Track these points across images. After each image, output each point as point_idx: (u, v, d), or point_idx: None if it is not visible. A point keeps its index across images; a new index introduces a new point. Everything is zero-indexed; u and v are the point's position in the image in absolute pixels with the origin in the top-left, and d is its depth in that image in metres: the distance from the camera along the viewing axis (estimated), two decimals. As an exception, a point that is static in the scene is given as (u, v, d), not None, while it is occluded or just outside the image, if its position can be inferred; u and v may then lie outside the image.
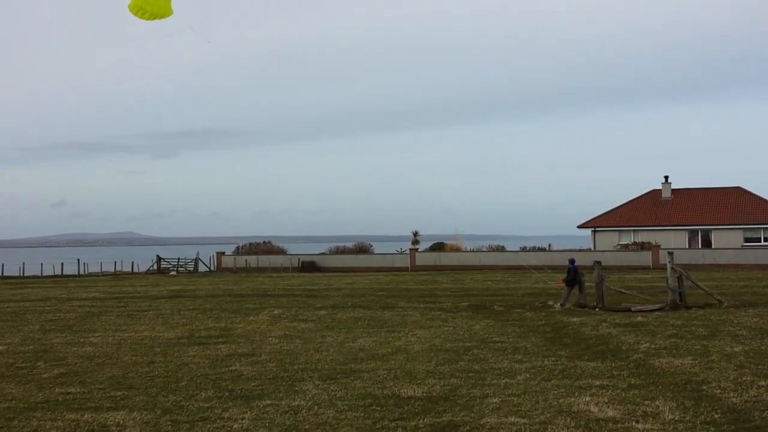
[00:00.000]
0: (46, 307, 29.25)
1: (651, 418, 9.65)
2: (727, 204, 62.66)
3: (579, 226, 64.93)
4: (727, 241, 59.16)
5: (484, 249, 66.91)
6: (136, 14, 13.92)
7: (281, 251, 69.77)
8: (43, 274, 64.38)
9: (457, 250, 65.88)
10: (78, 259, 67.95)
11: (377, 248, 74.58)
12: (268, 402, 11.15)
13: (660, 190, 65.83)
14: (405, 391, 11.73)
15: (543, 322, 21.12)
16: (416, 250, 64.93)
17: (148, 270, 67.17)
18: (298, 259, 64.09)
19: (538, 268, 42.53)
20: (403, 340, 17.68)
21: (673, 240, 60.09)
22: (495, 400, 10.89)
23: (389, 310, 25.42)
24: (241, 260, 65.31)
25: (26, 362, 15.55)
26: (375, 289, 36.53)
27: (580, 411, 10.14)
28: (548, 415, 9.98)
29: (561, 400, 10.81)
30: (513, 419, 9.77)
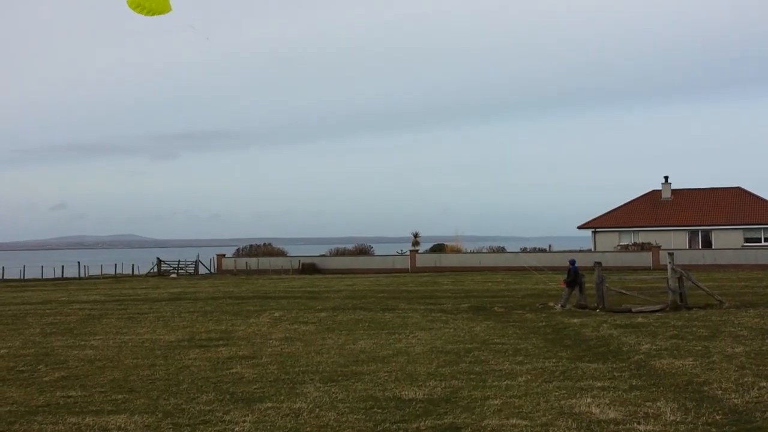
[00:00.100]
0: (47, 310, 29.24)
1: (652, 420, 9.64)
2: (727, 204, 62.65)
3: (579, 227, 64.94)
4: (728, 241, 59.16)
5: (485, 250, 66.95)
6: (134, 9, 13.96)
7: (281, 253, 69.79)
8: (44, 276, 64.40)
9: (458, 251, 65.87)
10: (78, 262, 67.93)
11: (377, 250, 74.60)
12: (269, 405, 11.15)
13: (660, 190, 65.83)
14: (406, 393, 11.73)
15: (544, 323, 21.12)
16: (416, 251, 64.94)
17: (148, 272, 67.17)
18: (299, 261, 64.09)
19: (539, 269, 42.54)
20: (404, 342, 17.68)
21: (673, 240, 60.09)
22: (496, 402, 10.88)
23: (390, 311, 25.42)
24: (242, 262, 65.31)
25: (27, 365, 15.54)
26: (375, 291, 36.53)
27: (581, 412, 10.13)
28: (550, 416, 9.97)
29: (562, 402, 10.80)
30: (514, 421, 9.76)
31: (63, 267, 67.13)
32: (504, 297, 31.05)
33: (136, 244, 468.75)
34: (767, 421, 9.50)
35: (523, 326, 20.52)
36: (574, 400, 10.86)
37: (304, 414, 10.49)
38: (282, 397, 11.65)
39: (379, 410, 10.60)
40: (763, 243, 58.92)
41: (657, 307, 23.90)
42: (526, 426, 9.49)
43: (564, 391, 11.54)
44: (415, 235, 70.79)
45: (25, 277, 63.13)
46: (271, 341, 18.40)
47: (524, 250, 67.63)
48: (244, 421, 10.14)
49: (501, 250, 66.97)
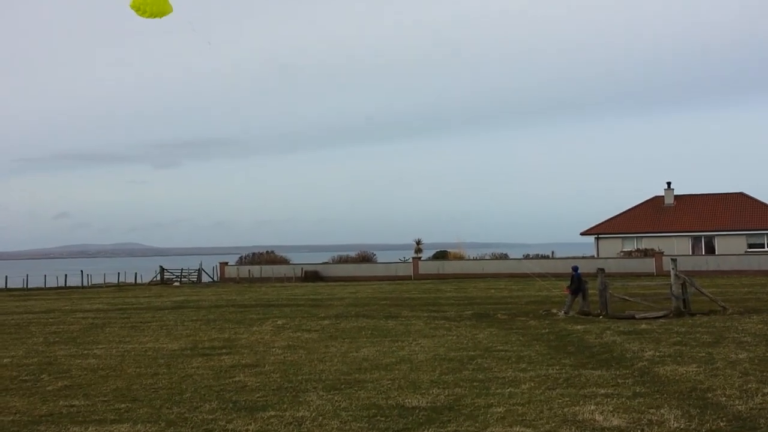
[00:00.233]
0: (50, 319, 29.27)
1: (656, 427, 9.62)
2: (730, 210, 62.57)
3: (582, 234, 64.85)
4: (731, 247, 59.04)
5: (487, 257, 66.85)
6: (137, 12, 14.05)
7: (284, 261, 69.77)
8: (47, 286, 64.42)
9: (460, 258, 65.79)
10: (81, 271, 67.96)
11: (380, 257, 74.55)
12: (273, 413, 11.14)
13: (662, 196, 65.76)
14: (409, 401, 11.71)
15: (547, 330, 21.09)
16: (419, 258, 64.88)
17: (151, 281, 67.18)
18: (301, 269, 64.08)
19: (542, 276, 42.49)
20: (407, 350, 17.66)
21: (676, 246, 59.99)
22: (499, 410, 10.86)
23: (393, 319, 25.39)
24: (245, 270, 65.31)
25: (30, 375, 15.55)
26: (378, 299, 36.50)
27: (585, 420, 10.11)
28: (553, 424, 9.95)
29: (566, 409, 10.78)
30: (518, 429, 9.75)
31: (66, 276, 67.15)
32: (507, 304, 31.01)
33: (139, 252, 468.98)
34: (771, 427, 9.47)
35: (527, 333, 20.49)
36: (577, 408, 10.84)
37: (307, 422, 10.48)
38: (285, 406, 11.64)
39: (382, 418, 10.59)
40: (766, 248, 58.77)
41: (660, 313, 23.85)
42: (529, 434, 9.47)
43: (567, 399, 11.52)
44: (418, 242, 70.75)
45: (28, 287, 63.15)
46: (274, 349, 18.40)
47: (527, 257, 67.48)
48: (247, 430, 10.14)
49: (504, 256, 66.88)
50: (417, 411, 10.97)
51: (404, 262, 65.38)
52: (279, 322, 25.11)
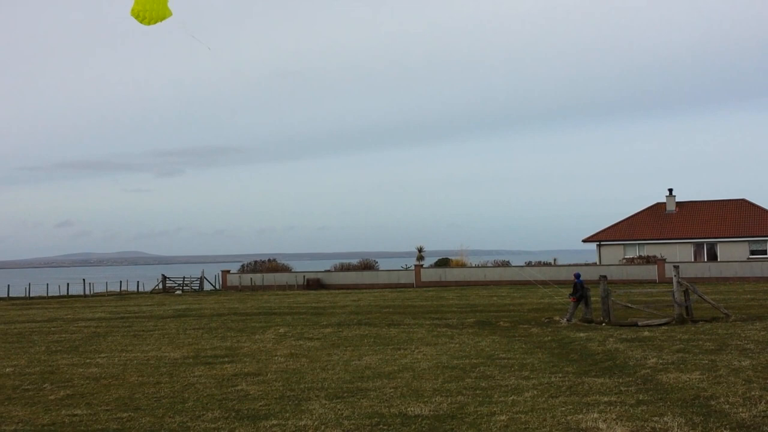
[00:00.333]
0: (52, 328, 29.26)
1: (660, 435, 9.59)
2: (732, 216, 62.53)
3: (584, 240, 64.84)
4: (733, 253, 58.98)
5: (490, 264, 66.78)
6: (137, 19, 14.13)
7: (286, 269, 69.78)
8: (49, 294, 64.43)
9: (462, 265, 65.76)
10: (83, 279, 67.97)
11: (382, 264, 74.51)
12: (275, 422, 11.13)
13: (664, 203, 65.75)
14: (412, 409, 11.69)
15: (549, 337, 21.06)
16: (421, 266, 64.86)
17: (153, 289, 67.19)
18: (303, 277, 64.07)
19: (544, 283, 42.45)
20: (410, 358, 17.64)
21: (678, 253, 59.94)
22: (502, 418, 10.84)
23: (395, 327, 25.37)
24: (246, 278, 65.31)
25: (32, 384, 15.54)
26: (380, 306, 36.47)
27: (588, 428, 10.09)
28: (556, 432, 9.93)
29: (569, 417, 10.76)
30: (521, 437, 9.72)
31: (68, 284, 67.20)
32: (509, 311, 30.97)
33: (141, 260, 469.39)
34: (775, 435, 9.45)
35: (529, 341, 20.46)
36: (580, 416, 10.82)
37: (310, 431, 10.47)
38: (287, 414, 11.63)
39: (385, 427, 10.58)
40: (768, 255, 58.72)
41: (663, 320, 23.83)
42: (532, 442, 9.45)
43: (570, 407, 11.50)
44: (420, 250, 70.69)
45: (30, 295, 63.19)
46: (276, 358, 18.38)
47: (529, 264, 67.39)
48: (249, 439, 10.11)
49: (506, 264, 66.79)
50: (420, 419, 10.95)
51: (406, 269, 65.35)
52: (281, 331, 25.09)
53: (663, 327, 22.71)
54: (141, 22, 14.08)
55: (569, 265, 62.00)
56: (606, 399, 11.99)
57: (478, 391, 13.04)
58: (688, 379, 13.48)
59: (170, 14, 14.17)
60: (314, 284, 62.60)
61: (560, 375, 14.56)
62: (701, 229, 61.74)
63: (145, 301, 49.65)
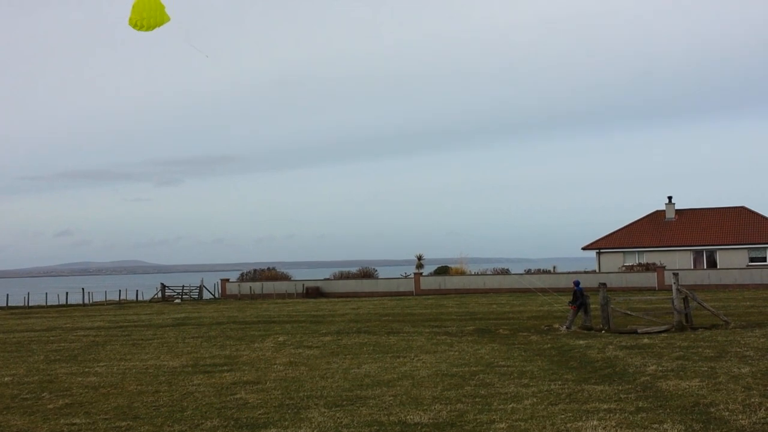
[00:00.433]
0: (51, 337, 29.22)
1: (659, 442, 9.57)
2: (732, 224, 62.58)
3: (583, 248, 64.83)
4: (732, 261, 58.99)
5: (489, 272, 66.82)
6: (134, 27, 14.21)
7: (285, 277, 69.75)
8: (48, 303, 64.34)
9: (462, 273, 65.75)
10: (82, 288, 67.90)
11: (382, 273, 74.50)
12: (274, 430, 11.11)
13: (664, 210, 65.80)
14: (411, 417, 11.67)
15: (549, 345, 21.04)
16: (421, 274, 64.84)
17: (152, 298, 67.13)
18: (303, 285, 64.04)
19: (543, 291, 42.44)
20: (409, 366, 17.62)
21: (678, 261, 59.94)
22: (502, 426, 10.82)
23: (394, 335, 25.34)
24: (246, 287, 65.28)
25: (31, 393, 15.51)
26: (380, 314, 36.44)
27: (587, 435, 10.06)
28: (556, 440, 9.90)
29: (568, 425, 10.74)
30: (520, 445, 9.70)
31: (67, 293, 67.12)
32: (509, 319, 30.95)
33: (140, 269, 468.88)
34: (775, 442, 9.43)
35: (529, 348, 20.44)
36: (580, 423, 10.80)
37: (309, 439, 10.44)
38: (286, 423, 11.60)
39: (384, 435, 10.54)
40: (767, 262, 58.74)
41: (662, 327, 23.81)
42: (532, 449, 9.43)
43: (570, 414, 11.48)
44: (419, 258, 70.69)
45: (29, 304, 63.06)
46: (275, 366, 18.35)
47: (528, 272, 67.45)
48: (248, 448, 10.09)
49: (505, 271, 66.83)
50: (419, 427, 10.94)
51: (406, 277, 65.33)
52: (280, 339, 25.06)
53: (662, 334, 22.69)
54: (140, 30, 14.15)
55: (569, 273, 62.02)
56: (606, 406, 11.98)
57: (477, 399, 13.02)
58: (687, 387, 13.46)
59: (168, 19, 14.24)
60: (313, 292, 62.56)
61: (560, 382, 14.54)
62: (701, 237, 61.78)
63: (144, 310, 49.60)
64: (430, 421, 11.36)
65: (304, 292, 62.84)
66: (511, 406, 12.32)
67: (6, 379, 17.79)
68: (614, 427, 10.49)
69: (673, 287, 24.93)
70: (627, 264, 61.18)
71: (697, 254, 60.85)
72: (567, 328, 25.21)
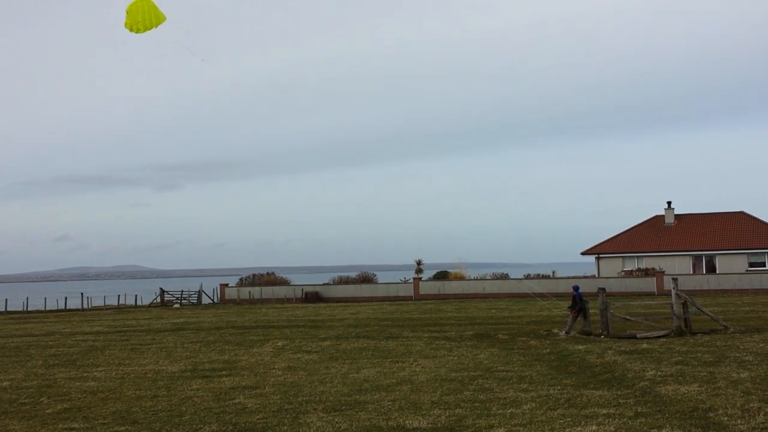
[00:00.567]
0: (50, 342, 29.19)
1: (658, 447, 9.56)
2: (731, 229, 62.62)
3: (583, 253, 64.84)
4: (732, 266, 59.01)
5: (488, 277, 66.78)
6: (131, 30, 14.26)
7: (284, 282, 69.71)
8: (47, 308, 64.28)
9: (461, 278, 65.71)
10: (81, 293, 67.86)
11: (381, 278, 74.44)
12: (273, 435, 11.08)
13: (663, 215, 65.85)
14: (410, 422, 11.66)
15: (548, 350, 21.03)
16: (420, 279, 64.82)
17: (151, 303, 67.09)
18: (302, 290, 64.01)
19: (542, 296, 42.43)
20: (408, 371, 17.61)
21: (677, 266, 59.97)
22: (501, 431, 10.82)
23: (393, 340, 25.33)
24: (245, 292, 65.24)
25: (29, 398, 15.50)
26: (379, 319, 36.42)
27: (586, 440, 10.05)
28: (554, 444, 9.89)
29: (567, 430, 10.73)
30: (519, 450, 9.69)
31: (66, 298, 67.07)
32: (508, 324, 30.94)
33: (139, 274, 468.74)
34: (774, 447, 9.42)
35: (528, 353, 20.43)
36: (579, 428, 10.80)
37: (308, 444, 10.42)
38: (285, 428, 11.59)
39: (383, 440, 10.53)
40: (767, 267, 58.75)
41: (662, 332, 23.80)
42: (530, 454, 9.42)
43: (569, 419, 11.47)
44: (418, 263, 70.67)
45: (28, 309, 63.02)
46: (274, 371, 18.34)
47: (528, 277, 67.41)
48: (247, 452, 10.08)
49: (504, 276, 66.79)
50: (418, 432, 10.91)
51: (405, 282, 65.30)
52: (279, 344, 25.05)
53: (661, 339, 22.68)
54: (137, 33, 14.20)
55: (568, 278, 62.00)
56: (604, 411, 11.97)
57: (476, 404, 13.01)
58: (686, 392, 13.45)
59: (164, 18, 14.29)
60: (312, 297, 62.53)
61: (559, 387, 14.54)
62: (700, 242, 61.81)
63: (143, 315, 49.56)
64: (429, 426, 11.35)
65: (303, 296, 62.81)
66: (510, 411, 12.32)
67: (5, 383, 17.77)
68: (613, 431, 10.48)
69: (673, 292, 24.93)
70: (626, 269, 61.21)
71: (697, 259, 60.87)
72: (566, 333, 25.20)
